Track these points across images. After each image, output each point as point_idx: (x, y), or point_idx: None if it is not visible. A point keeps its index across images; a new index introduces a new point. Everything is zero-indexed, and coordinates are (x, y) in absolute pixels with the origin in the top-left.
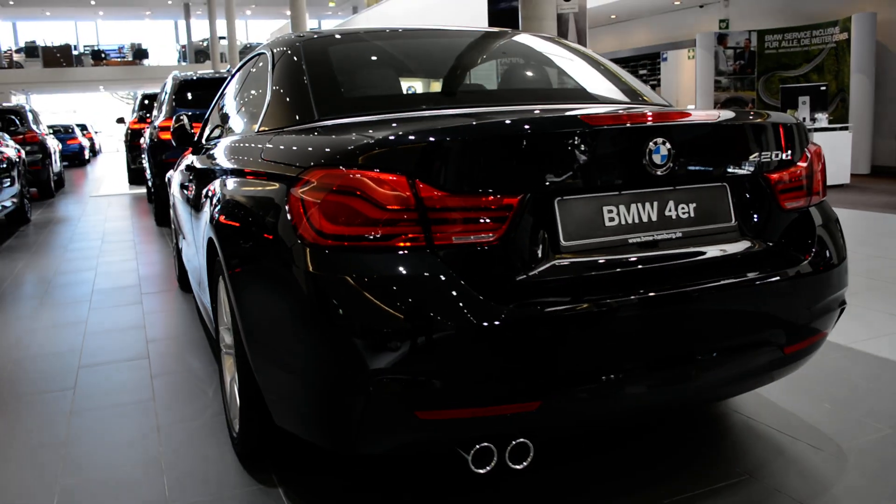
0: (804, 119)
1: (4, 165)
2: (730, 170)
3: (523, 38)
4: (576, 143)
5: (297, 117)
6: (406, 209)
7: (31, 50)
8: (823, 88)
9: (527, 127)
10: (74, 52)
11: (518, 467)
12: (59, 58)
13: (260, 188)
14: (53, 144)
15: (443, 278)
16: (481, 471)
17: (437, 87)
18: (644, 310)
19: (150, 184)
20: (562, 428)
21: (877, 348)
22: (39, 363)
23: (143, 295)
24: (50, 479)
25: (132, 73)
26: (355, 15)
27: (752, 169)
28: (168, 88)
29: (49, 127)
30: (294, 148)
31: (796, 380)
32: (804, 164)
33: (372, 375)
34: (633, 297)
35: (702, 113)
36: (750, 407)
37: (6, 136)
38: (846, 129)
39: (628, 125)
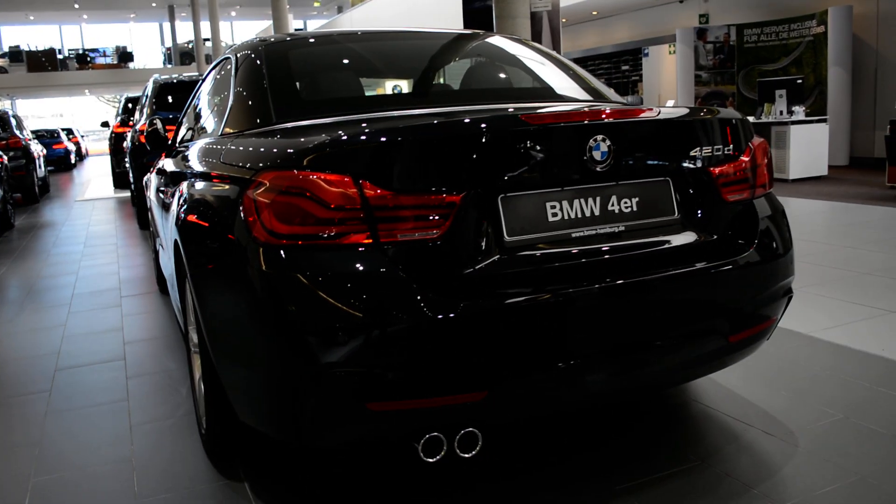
0: (781, 112)
1: None
2: (672, 165)
3: (487, 40)
4: (516, 141)
5: (258, 120)
6: (352, 208)
7: (15, 55)
8: (800, 82)
9: (467, 127)
10: (59, 56)
11: (467, 456)
12: (44, 62)
13: (219, 190)
14: (37, 149)
15: (389, 274)
16: (431, 459)
17: (398, 88)
18: (586, 301)
19: (132, 187)
20: (509, 417)
21: (837, 336)
22: (17, 367)
23: (122, 298)
24: (23, 478)
25: (118, 76)
26: (339, 15)
27: (693, 164)
28: (148, 92)
29: (33, 132)
30: (250, 150)
31: (755, 368)
32: (747, 159)
33: (323, 369)
34: (574, 289)
35: (642, 110)
36: (708, 396)
37: None
38: (824, 121)
39: (568, 123)
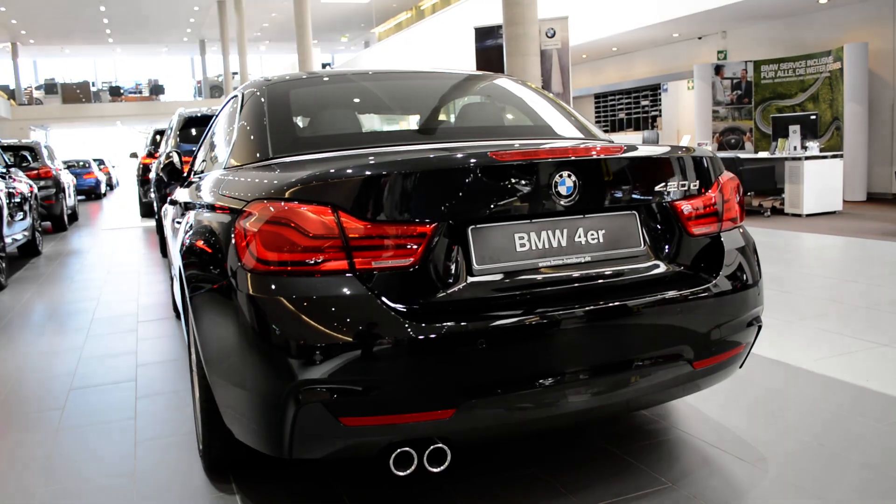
0: (795, 147)
1: (18, 200)
2: (637, 199)
3: (482, 80)
4: (485, 176)
5: (257, 154)
6: (331, 237)
7: (50, 87)
8: (814, 117)
9: (438, 163)
10: (93, 89)
11: (435, 470)
12: (78, 94)
13: (217, 220)
14: (68, 179)
15: (363, 299)
16: (401, 473)
17: (394, 125)
18: (550, 326)
19: (157, 216)
20: (477, 436)
21: (826, 368)
22: (34, 386)
23: (139, 323)
24: (31, 489)
25: (149, 108)
26: (365, 49)
27: (659, 198)
28: (173, 124)
29: (64, 162)
30: (245, 182)
31: (736, 396)
32: (713, 194)
33: (301, 385)
34: (539, 315)
35: (608, 147)
36: (687, 422)
37: (20, 171)
38: (839, 156)
39: (534, 160)
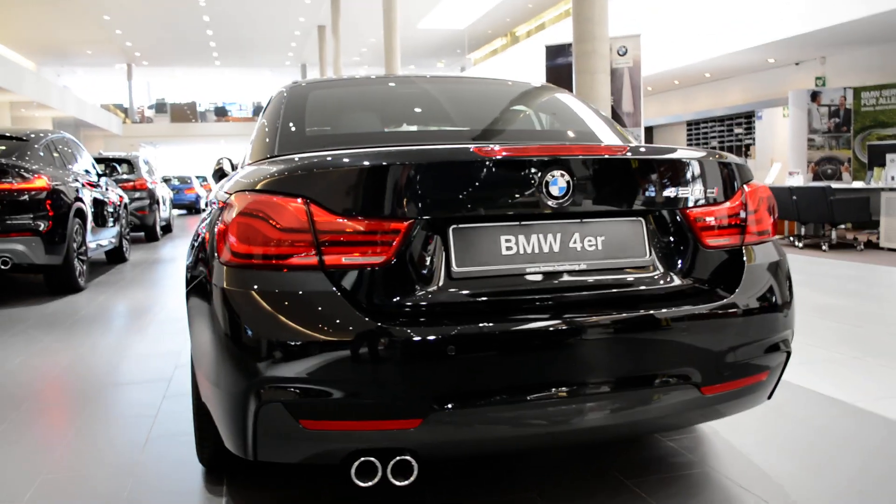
0: (893, 178)
1: (111, 209)
2: (645, 205)
3: (511, 86)
4: (468, 173)
5: (265, 152)
6: (301, 231)
7: (160, 106)
8: None
9: (414, 157)
10: (199, 109)
11: (400, 484)
12: (186, 113)
13: (212, 216)
14: (164, 192)
15: (329, 296)
16: (364, 484)
17: (409, 126)
18: (533, 338)
19: None
20: (445, 451)
21: (884, 408)
22: (74, 380)
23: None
24: (33, 475)
25: (251, 128)
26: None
27: (669, 205)
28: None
29: (165, 178)
30: (238, 177)
31: (776, 433)
32: (734, 204)
33: (262, 383)
34: (522, 325)
35: (609, 146)
36: (715, 456)
37: (111, 181)
38: None
39: (522, 157)
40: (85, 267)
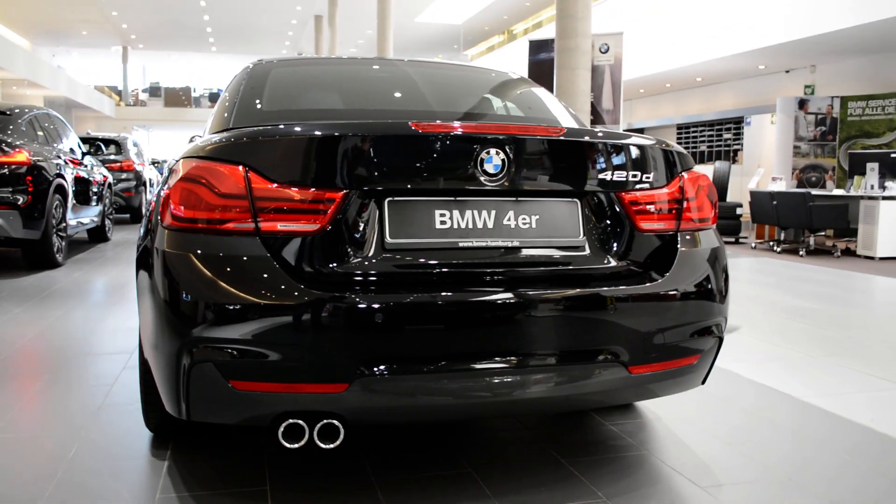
0: (872, 186)
1: (95, 189)
2: (579, 185)
3: (468, 69)
4: (406, 147)
5: (223, 125)
6: (239, 196)
7: (154, 90)
8: (894, 156)
9: (353, 130)
10: (194, 94)
11: (326, 447)
12: (180, 98)
13: (163, 185)
14: (151, 175)
15: (262, 261)
16: (291, 445)
17: (364, 105)
18: (461, 310)
19: None
20: (371, 416)
21: (832, 404)
22: (40, 350)
23: None
24: None
25: None
26: None
27: (604, 188)
28: None
29: (153, 160)
30: (190, 146)
31: (718, 421)
32: (671, 190)
33: (195, 342)
34: (450, 296)
35: (547, 128)
36: (654, 441)
37: (97, 161)
38: None
39: (458, 133)
40: (64, 243)
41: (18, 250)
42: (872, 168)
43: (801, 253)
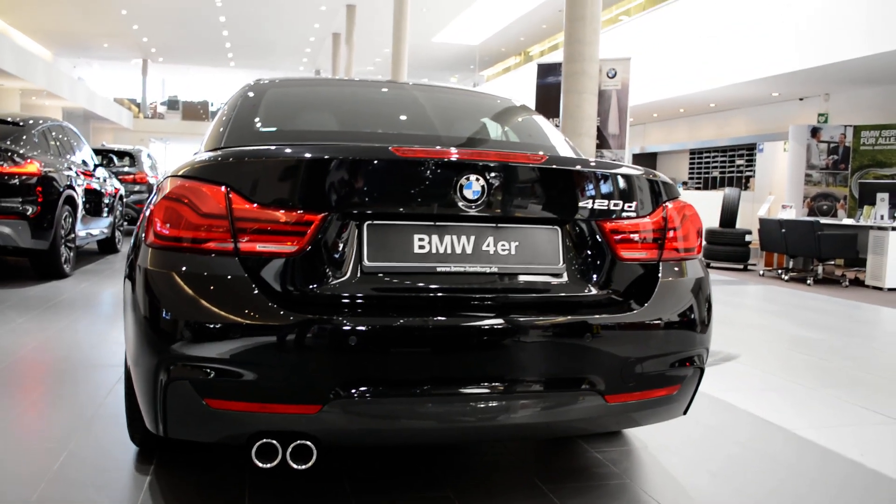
0: (882, 217)
1: (106, 200)
2: (560, 213)
3: (469, 94)
4: (386, 171)
5: (215, 143)
6: (219, 216)
7: (172, 103)
8: None
9: (333, 153)
10: (211, 108)
11: (299, 467)
12: (198, 111)
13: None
14: None
15: (240, 282)
16: (263, 465)
17: (358, 127)
18: (436, 335)
19: None
20: (344, 439)
21: (824, 437)
22: (38, 361)
23: None
24: None
25: None
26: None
27: (585, 216)
28: None
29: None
30: (178, 165)
31: (707, 453)
32: (654, 219)
33: (172, 359)
34: (426, 321)
35: (527, 155)
36: (638, 470)
37: (109, 173)
38: None
39: (438, 159)
40: (72, 254)
41: (26, 260)
42: (883, 198)
43: (808, 282)
